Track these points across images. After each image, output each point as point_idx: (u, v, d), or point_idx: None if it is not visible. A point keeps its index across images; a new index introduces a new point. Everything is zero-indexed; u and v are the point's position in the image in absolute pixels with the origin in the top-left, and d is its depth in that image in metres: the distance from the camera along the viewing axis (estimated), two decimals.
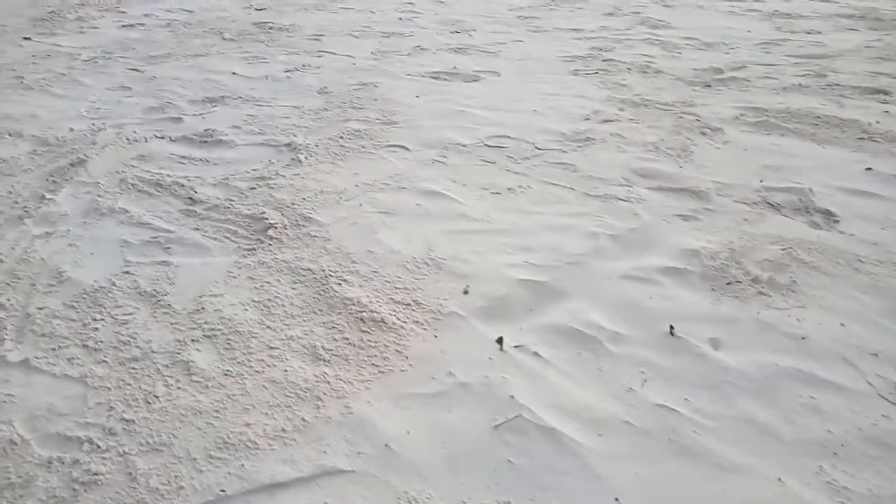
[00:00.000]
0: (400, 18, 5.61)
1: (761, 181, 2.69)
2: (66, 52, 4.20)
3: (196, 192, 2.50)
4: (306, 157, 2.83)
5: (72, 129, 3.01)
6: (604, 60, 4.49)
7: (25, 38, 4.42)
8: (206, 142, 2.96)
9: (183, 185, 2.54)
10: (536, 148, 3.03)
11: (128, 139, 2.93)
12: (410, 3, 6.26)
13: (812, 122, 3.31)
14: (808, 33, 5.29)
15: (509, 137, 3.13)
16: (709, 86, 3.99)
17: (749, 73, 4.22)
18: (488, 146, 3.04)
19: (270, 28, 5.05)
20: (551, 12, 6.09)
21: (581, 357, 1.70)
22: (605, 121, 3.39)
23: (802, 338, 1.76)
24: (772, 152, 2.97)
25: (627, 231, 2.31)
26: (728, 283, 2.00)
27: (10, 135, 2.93)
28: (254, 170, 2.71)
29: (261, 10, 5.73)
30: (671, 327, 1.81)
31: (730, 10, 6.44)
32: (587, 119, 3.40)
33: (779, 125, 3.27)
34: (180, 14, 5.40)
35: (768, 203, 2.52)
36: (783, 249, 2.17)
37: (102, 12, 5.31)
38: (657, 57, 4.61)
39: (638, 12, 6.17)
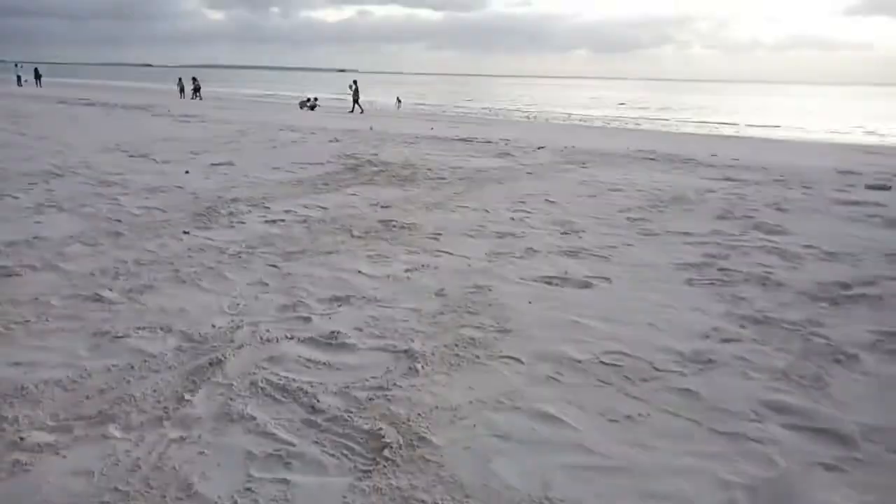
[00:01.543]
0: (512, 218, 5.94)
1: None
2: (216, 245, 4.75)
3: (318, 400, 2.60)
4: (423, 367, 2.90)
5: (213, 326, 3.30)
6: (719, 269, 4.45)
7: (185, 232, 5.06)
8: (330, 344, 3.13)
9: (307, 392, 2.65)
10: (655, 369, 2.95)
11: (261, 339, 3.16)
12: (522, 203, 6.65)
13: None
14: None
15: (625, 354, 3.08)
16: (837, 303, 3.82)
17: (882, 290, 4.01)
18: (604, 363, 2.99)
19: (394, 226, 5.49)
20: (661, 214, 6.24)
21: None
22: (726, 340, 3.28)
23: None
24: None
25: (764, 482, 2.12)
26: None
27: (161, 329, 3.25)
28: (373, 377, 2.80)
29: (386, 207, 6.29)
30: None
31: (849, 215, 6.32)
32: (707, 337, 3.30)
33: None
34: (316, 210, 6.03)
35: None
36: None
37: (250, 207, 6.04)
38: (776, 267, 4.52)
39: (751, 216, 6.19)
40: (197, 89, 38.60)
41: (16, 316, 3.35)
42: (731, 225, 5.81)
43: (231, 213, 5.77)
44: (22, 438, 2.27)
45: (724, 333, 3.36)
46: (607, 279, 4.21)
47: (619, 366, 2.97)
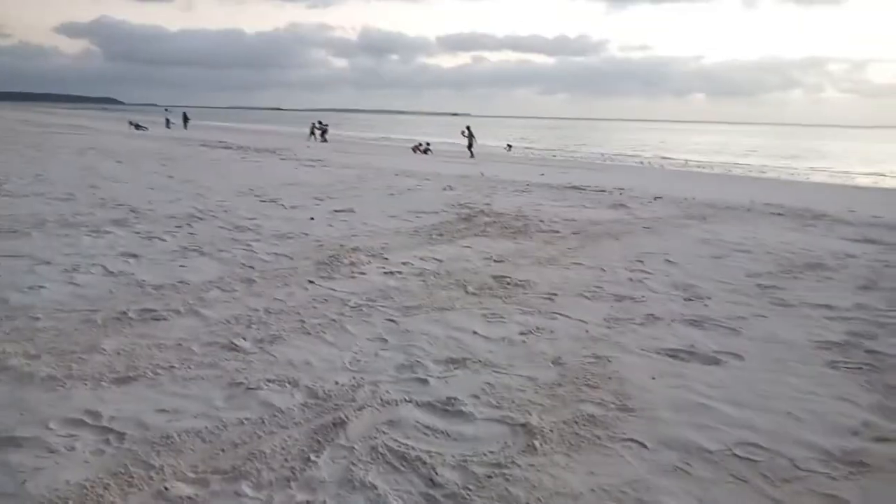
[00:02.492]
0: (630, 279, 5.76)
1: None
2: (339, 297, 4.96)
3: (437, 472, 2.59)
4: (541, 444, 2.83)
5: (336, 383, 3.42)
6: (866, 351, 4.05)
7: (310, 282, 5.33)
8: (447, 411, 3.14)
9: (425, 463, 2.66)
10: (796, 467, 2.70)
11: (381, 400, 3.23)
12: (640, 262, 6.44)
13: None
14: None
15: (761, 448, 2.85)
16: None
17: None
18: (737, 456, 2.78)
19: (508, 283, 5.48)
20: (795, 281, 5.81)
21: None
22: (881, 439, 2.95)
23: None
24: None
25: None
26: None
27: (288, 383, 3.41)
28: (490, 452, 2.77)
29: (499, 262, 6.31)
30: None
31: None
32: (856, 434, 2.99)
33: None
34: (431, 263, 6.15)
35: None
36: None
37: (370, 258, 6.27)
38: None
39: None
40: (324, 132, 41.19)
41: (162, 360, 3.64)
42: (877, 298, 5.30)
43: (352, 263, 6.01)
44: (167, 489, 2.44)
45: (877, 430, 3.03)
46: (738, 356, 3.95)
47: (755, 460, 2.75)
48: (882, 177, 34.82)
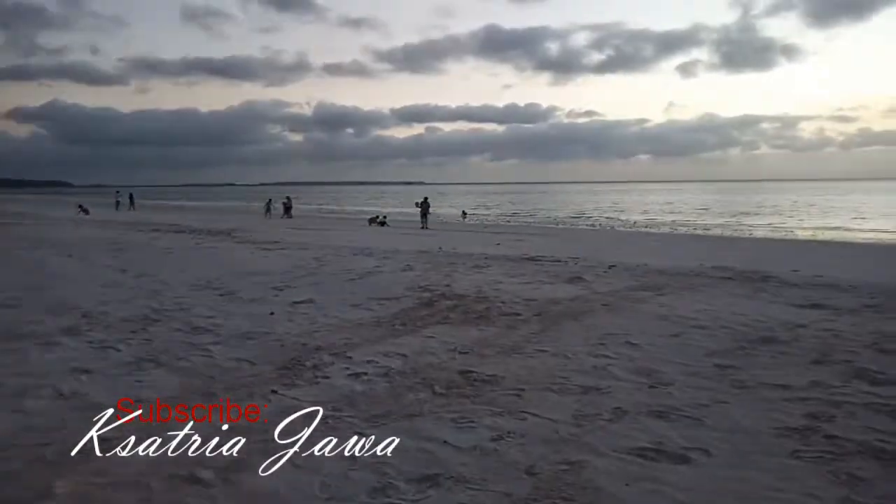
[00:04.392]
0: (594, 366, 5.82)
1: None
2: (304, 407, 4.85)
3: None
4: None
5: None
6: (826, 437, 4.17)
7: (273, 392, 5.22)
8: None
9: None
10: None
11: None
12: (602, 345, 6.54)
13: None
14: None
15: None
16: None
17: None
18: None
19: (475, 379, 5.47)
20: (751, 359, 5.98)
21: None
22: None
23: None
24: None
25: None
26: None
27: None
28: None
29: (464, 353, 6.31)
30: None
31: None
32: None
33: None
34: (396, 359, 6.11)
35: None
36: None
37: (333, 357, 6.18)
38: (888, 433, 4.19)
39: (850, 360, 5.85)
40: (288, 209, 41.26)
41: (118, 503, 3.46)
42: (829, 373, 5.49)
43: (315, 367, 5.92)
44: None
45: None
46: (705, 451, 4.00)
47: None
48: (818, 230, 36.60)
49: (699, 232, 35.10)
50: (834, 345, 6.37)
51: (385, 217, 36.18)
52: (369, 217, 36.68)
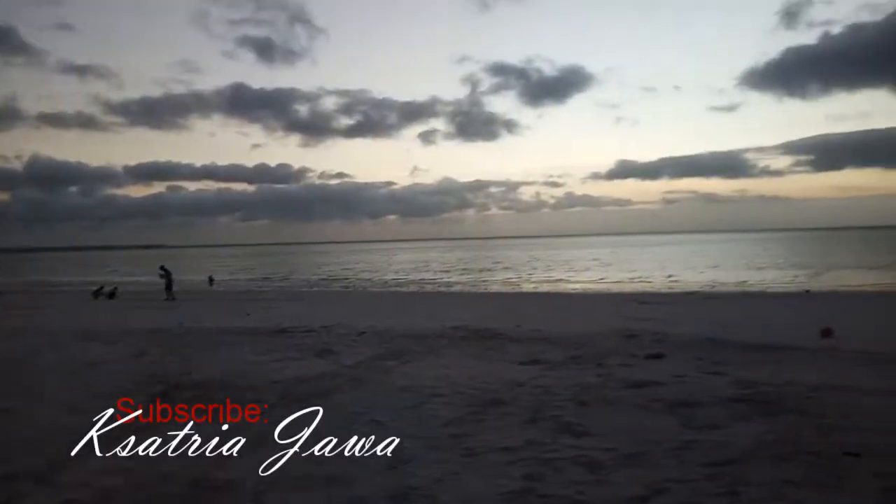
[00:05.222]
0: (339, 454, 5.85)
1: None
2: None
3: None
4: None
5: None
6: (539, 496, 4.72)
7: None
8: None
9: None
10: None
11: None
12: (349, 428, 6.61)
13: None
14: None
15: None
16: None
17: (674, 499, 4.52)
18: None
19: (208, 487, 5.10)
20: (480, 424, 6.56)
21: None
22: None
23: None
24: None
25: None
26: None
27: None
28: None
29: (196, 456, 5.86)
30: None
31: (637, 402, 7.15)
32: None
33: None
34: (116, 476, 5.42)
35: None
36: None
37: (34, 485, 5.25)
38: (586, 484, 4.90)
39: (557, 415, 6.74)
40: None
41: None
42: (541, 431, 6.26)
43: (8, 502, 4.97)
44: None
45: None
46: None
47: None
48: (541, 282, 41.97)
49: (443, 289, 37.86)
50: (545, 401, 7.32)
51: (115, 288, 32.16)
52: (94, 289, 32.24)
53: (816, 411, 6.51)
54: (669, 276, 42.67)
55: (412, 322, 16.11)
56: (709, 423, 6.20)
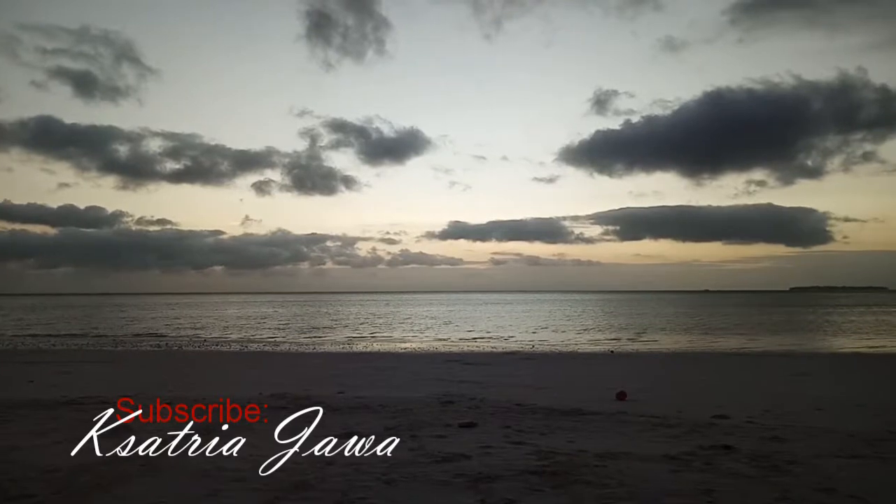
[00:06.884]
0: None
1: None
2: None
3: None
4: None
5: None
6: None
7: None
8: None
9: None
10: None
11: None
12: None
13: None
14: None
15: None
16: None
17: None
18: None
19: None
20: None
21: None
22: None
23: None
24: None
25: None
26: None
27: None
28: None
29: None
30: None
31: (444, 478, 7.29)
32: None
33: None
34: None
35: None
36: None
37: None
38: None
39: (363, 497, 6.66)
40: None
41: None
42: None
43: None
44: None
45: None
46: None
47: None
48: (384, 342, 41.89)
49: (268, 348, 36.19)
50: (353, 482, 7.19)
51: None
52: None
53: (599, 481, 7.10)
54: (507, 337, 44.64)
55: (229, 389, 15.17)
56: (504, 498, 6.50)
